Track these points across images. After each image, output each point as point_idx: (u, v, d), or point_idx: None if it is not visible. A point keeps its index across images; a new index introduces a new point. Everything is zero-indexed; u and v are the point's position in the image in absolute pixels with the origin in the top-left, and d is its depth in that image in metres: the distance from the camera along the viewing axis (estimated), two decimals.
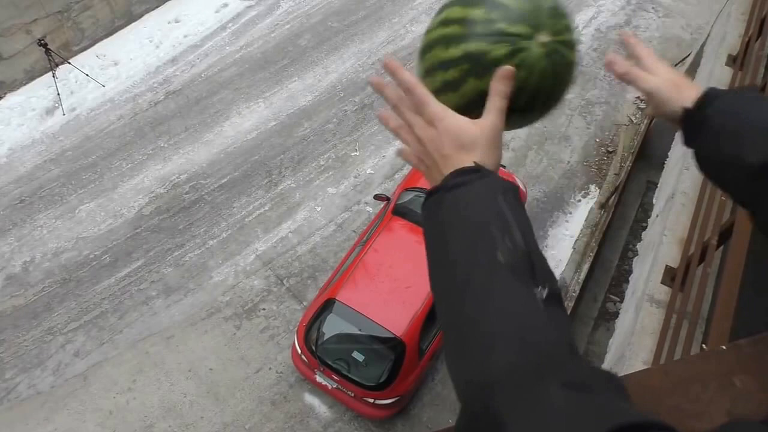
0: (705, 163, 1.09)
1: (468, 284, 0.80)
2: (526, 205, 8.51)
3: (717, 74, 4.83)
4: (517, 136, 9.95)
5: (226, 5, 11.61)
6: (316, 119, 10.06)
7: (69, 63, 10.20)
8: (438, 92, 1.00)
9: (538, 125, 10.05)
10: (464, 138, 0.95)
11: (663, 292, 3.68)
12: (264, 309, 8.18)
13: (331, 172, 9.47)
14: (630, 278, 5.37)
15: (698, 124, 1.07)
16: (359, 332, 6.86)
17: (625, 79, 1.15)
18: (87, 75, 10.22)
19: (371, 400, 6.83)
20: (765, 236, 0.98)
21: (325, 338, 6.96)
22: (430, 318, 6.91)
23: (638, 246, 5.74)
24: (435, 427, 7.38)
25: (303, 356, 7.06)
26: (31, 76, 10.38)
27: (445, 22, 1.02)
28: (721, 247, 3.34)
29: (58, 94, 10.00)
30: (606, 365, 4.46)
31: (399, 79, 1.00)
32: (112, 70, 10.67)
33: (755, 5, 4.90)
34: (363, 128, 9.96)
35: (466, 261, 0.82)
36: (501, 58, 0.94)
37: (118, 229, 8.86)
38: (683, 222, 3.96)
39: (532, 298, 0.77)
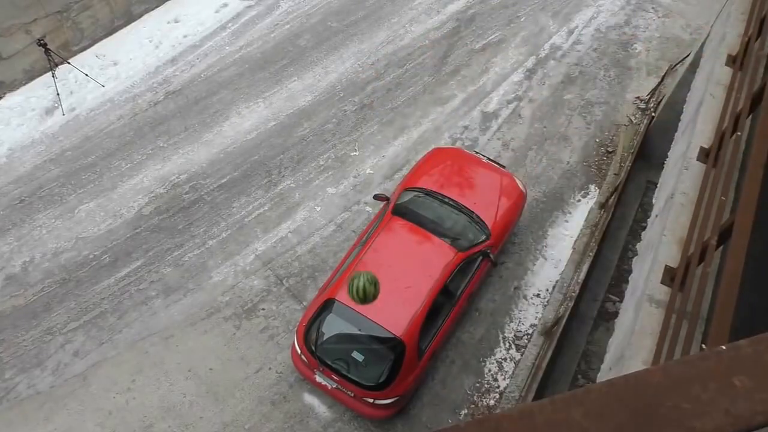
0: None
1: None
2: (526, 205, 8.54)
3: (717, 74, 4.83)
4: (517, 136, 9.96)
5: (225, 5, 11.61)
6: (315, 119, 10.06)
7: (68, 63, 10.19)
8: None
9: (538, 125, 10.07)
10: None
11: (663, 292, 3.69)
12: (264, 309, 8.18)
13: (330, 172, 9.48)
14: (630, 278, 5.37)
15: None
16: (359, 332, 6.86)
17: None
18: (86, 75, 10.22)
19: (371, 400, 6.84)
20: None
21: (324, 338, 6.96)
22: (429, 318, 6.90)
23: (638, 246, 5.74)
24: (435, 427, 7.38)
25: (303, 356, 7.06)
26: (30, 76, 10.38)
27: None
28: (721, 247, 3.34)
29: (58, 94, 9.99)
30: (606, 365, 4.46)
31: None
32: (112, 70, 10.67)
33: (755, 5, 4.90)
34: (362, 128, 9.97)
35: None
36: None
37: (117, 229, 8.86)
38: (683, 222, 3.96)
39: None
